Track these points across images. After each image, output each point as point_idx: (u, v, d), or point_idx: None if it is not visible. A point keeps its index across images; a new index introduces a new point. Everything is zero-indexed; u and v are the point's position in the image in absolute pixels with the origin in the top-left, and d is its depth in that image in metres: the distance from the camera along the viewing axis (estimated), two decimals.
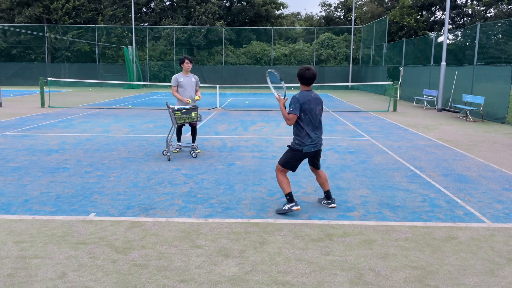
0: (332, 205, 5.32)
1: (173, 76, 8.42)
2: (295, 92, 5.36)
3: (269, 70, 5.41)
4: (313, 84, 5.00)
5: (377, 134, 11.42)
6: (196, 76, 8.63)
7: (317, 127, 5.01)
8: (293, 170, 5.14)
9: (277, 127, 12.63)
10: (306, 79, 4.91)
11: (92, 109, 17.23)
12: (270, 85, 5.45)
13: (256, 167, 7.42)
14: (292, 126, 5.01)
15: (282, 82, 5.14)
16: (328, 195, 5.35)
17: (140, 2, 42.98)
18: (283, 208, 5.03)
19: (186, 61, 8.32)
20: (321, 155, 5.38)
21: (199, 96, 8.54)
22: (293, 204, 4.99)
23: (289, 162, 5.07)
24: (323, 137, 5.17)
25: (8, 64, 38.50)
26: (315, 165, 5.30)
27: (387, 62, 29.81)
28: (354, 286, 3.43)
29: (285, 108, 5.01)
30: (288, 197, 5.02)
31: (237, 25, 43.79)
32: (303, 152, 4.97)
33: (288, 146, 5.15)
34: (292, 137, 5.12)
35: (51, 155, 8.27)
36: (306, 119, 4.91)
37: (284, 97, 5.05)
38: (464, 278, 3.57)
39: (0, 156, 8.12)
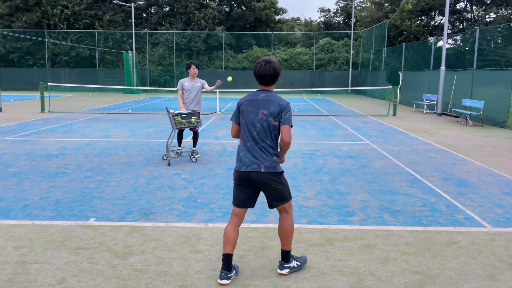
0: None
1: (180, 81, 8.50)
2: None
3: None
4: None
5: (377, 138, 11.42)
6: (203, 80, 8.68)
7: (254, 138, 3.49)
8: (236, 204, 3.59)
9: None
10: (255, 75, 3.60)
11: (92, 114, 17.24)
12: None
13: None
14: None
15: None
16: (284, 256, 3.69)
17: (139, 7, 43.13)
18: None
19: (193, 66, 8.39)
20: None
21: (218, 82, 8.19)
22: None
23: (234, 190, 3.64)
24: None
25: (8, 69, 38.57)
26: (267, 202, 3.62)
27: (386, 67, 29.88)
28: None
29: None
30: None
31: (237, 30, 43.91)
32: (235, 171, 3.58)
33: None
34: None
35: (51, 160, 8.27)
36: (242, 126, 3.60)
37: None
38: (464, 283, 3.56)
39: (0, 161, 8.11)
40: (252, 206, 3.64)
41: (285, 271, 3.68)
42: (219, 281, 3.47)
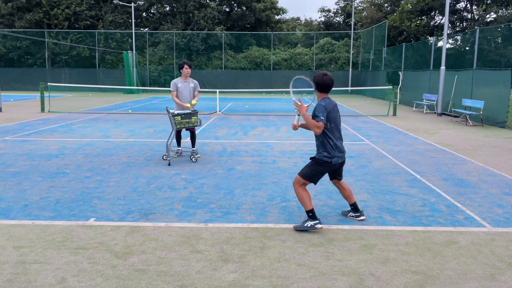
0: (362, 217, 5.03)
1: (172, 81, 8.48)
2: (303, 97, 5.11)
3: (296, 77, 5.10)
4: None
5: (377, 138, 11.42)
6: (196, 81, 8.66)
7: (341, 136, 4.82)
8: (315, 183, 4.81)
9: (276, 131, 12.63)
10: (326, 85, 4.63)
11: (92, 114, 17.24)
12: (291, 89, 5.08)
13: (256, 172, 7.42)
14: (316, 136, 4.75)
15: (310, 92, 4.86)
16: (355, 208, 5.07)
17: (140, 8, 43.13)
18: (305, 225, 4.64)
19: (185, 66, 8.38)
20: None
21: (195, 101, 8.53)
22: (317, 222, 4.64)
23: (315, 175, 4.75)
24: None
25: (8, 69, 38.57)
26: (339, 176, 5.05)
27: (386, 67, 29.88)
28: None
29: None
30: (310, 214, 4.65)
31: (237, 30, 43.89)
32: (332, 163, 4.70)
33: (312, 158, 4.83)
34: (315, 148, 4.91)
35: (51, 160, 8.27)
36: (331, 129, 4.65)
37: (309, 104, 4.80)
38: (464, 283, 3.56)
39: (0, 161, 8.11)
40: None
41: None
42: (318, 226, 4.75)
